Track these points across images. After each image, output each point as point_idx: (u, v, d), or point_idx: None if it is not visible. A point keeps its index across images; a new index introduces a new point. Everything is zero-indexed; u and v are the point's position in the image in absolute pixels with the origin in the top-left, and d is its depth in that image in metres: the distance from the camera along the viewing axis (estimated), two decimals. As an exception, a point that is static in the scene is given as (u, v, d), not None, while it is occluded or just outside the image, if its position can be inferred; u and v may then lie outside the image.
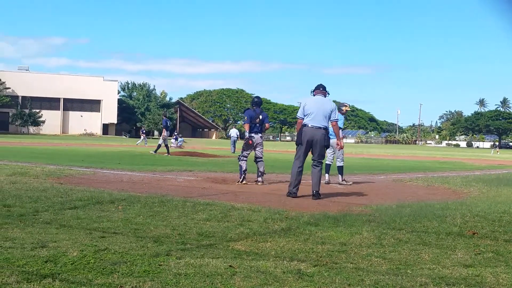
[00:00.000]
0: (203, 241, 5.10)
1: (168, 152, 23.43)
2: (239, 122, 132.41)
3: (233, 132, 33.59)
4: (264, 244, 5.06)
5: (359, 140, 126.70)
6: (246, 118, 11.58)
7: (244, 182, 11.18)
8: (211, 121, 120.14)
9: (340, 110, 11.63)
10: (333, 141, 10.72)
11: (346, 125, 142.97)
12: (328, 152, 11.61)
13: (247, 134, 11.61)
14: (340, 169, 12.18)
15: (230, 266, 4.15)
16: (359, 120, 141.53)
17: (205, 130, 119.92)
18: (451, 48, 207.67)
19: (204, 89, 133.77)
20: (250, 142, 11.46)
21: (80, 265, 4.02)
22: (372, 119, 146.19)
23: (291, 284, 3.78)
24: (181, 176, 12.54)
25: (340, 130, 10.29)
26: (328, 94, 9.48)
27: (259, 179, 11.42)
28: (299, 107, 9.52)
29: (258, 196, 9.11)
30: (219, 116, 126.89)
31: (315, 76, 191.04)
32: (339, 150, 11.39)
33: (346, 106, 12.42)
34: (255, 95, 12.41)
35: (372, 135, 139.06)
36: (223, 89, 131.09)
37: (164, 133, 23.82)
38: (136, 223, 5.92)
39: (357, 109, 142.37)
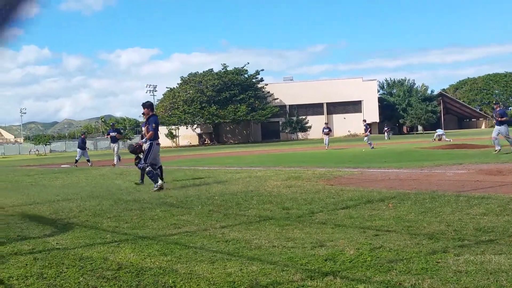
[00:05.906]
0: (482, 237, 4.82)
1: None
2: (510, 108, 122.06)
3: None
4: (553, 239, 4.57)
5: None
6: (154, 125, 11.03)
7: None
8: (478, 110, 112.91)
9: None
10: None
11: None
12: None
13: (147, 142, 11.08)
14: None
15: (516, 263, 3.85)
16: None
17: (472, 120, 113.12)
18: None
19: (468, 77, 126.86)
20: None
21: (357, 263, 4.13)
22: None
23: None
24: (451, 170, 12.04)
25: None
26: None
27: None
28: None
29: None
30: (487, 103, 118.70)
31: None
32: None
33: None
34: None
35: None
36: (489, 74, 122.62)
37: None
38: (408, 220, 5.87)
39: None
